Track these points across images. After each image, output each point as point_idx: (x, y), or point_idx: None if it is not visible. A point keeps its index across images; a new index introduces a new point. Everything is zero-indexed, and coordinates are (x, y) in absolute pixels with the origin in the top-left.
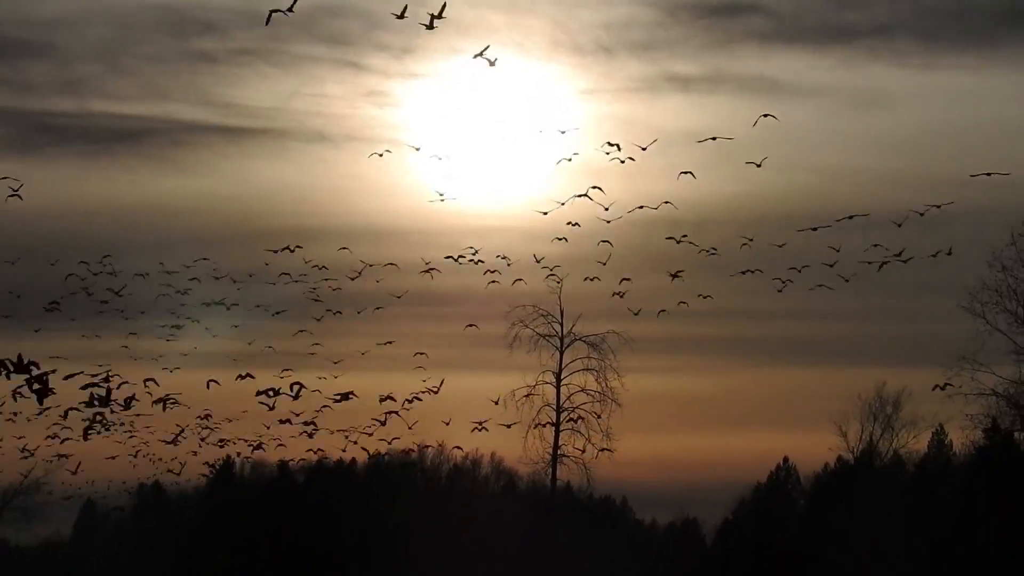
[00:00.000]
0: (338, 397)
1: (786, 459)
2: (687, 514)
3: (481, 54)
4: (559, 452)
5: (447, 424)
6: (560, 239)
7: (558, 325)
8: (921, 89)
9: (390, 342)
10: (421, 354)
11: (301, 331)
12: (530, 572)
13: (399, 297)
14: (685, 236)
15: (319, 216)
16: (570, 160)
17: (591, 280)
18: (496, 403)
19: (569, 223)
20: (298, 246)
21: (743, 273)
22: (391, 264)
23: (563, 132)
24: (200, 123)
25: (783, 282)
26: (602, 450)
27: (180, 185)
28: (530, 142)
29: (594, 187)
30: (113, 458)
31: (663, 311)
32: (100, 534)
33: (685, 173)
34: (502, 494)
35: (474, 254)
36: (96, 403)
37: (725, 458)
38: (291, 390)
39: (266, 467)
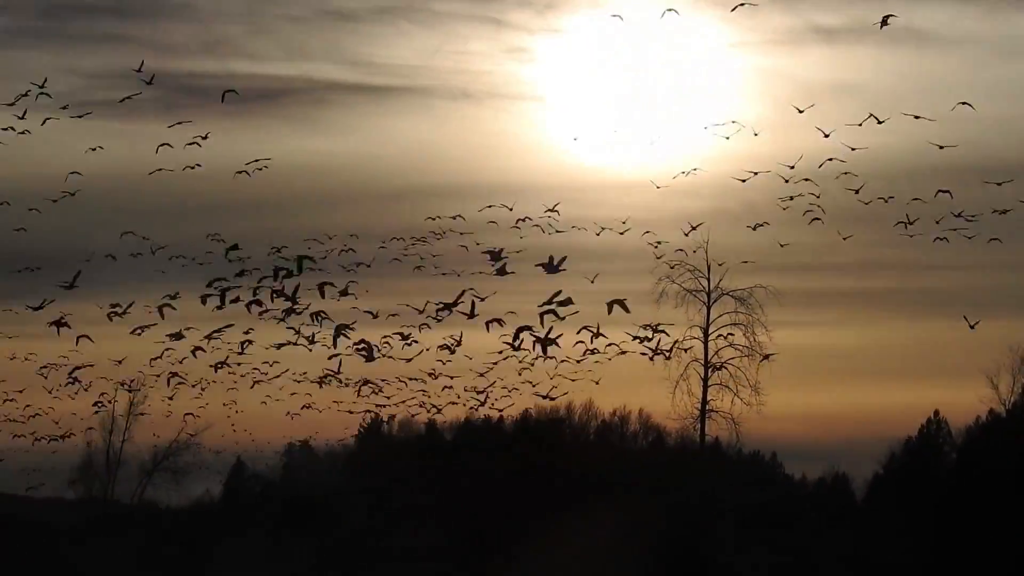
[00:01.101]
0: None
1: (937, 412)
2: (837, 469)
3: None
4: (707, 407)
5: (596, 383)
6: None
7: (705, 280)
8: None
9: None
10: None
11: (468, 290)
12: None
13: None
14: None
15: (463, 173)
16: (722, 126)
17: (750, 228)
18: (654, 355)
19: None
20: (459, 215)
21: (905, 225)
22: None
23: (727, 127)
24: (342, 82)
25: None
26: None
27: (322, 145)
28: (673, 97)
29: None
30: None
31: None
32: (250, 494)
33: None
34: (650, 450)
35: (624, 223)
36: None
37: (875, 412)
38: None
39: (414, 425)
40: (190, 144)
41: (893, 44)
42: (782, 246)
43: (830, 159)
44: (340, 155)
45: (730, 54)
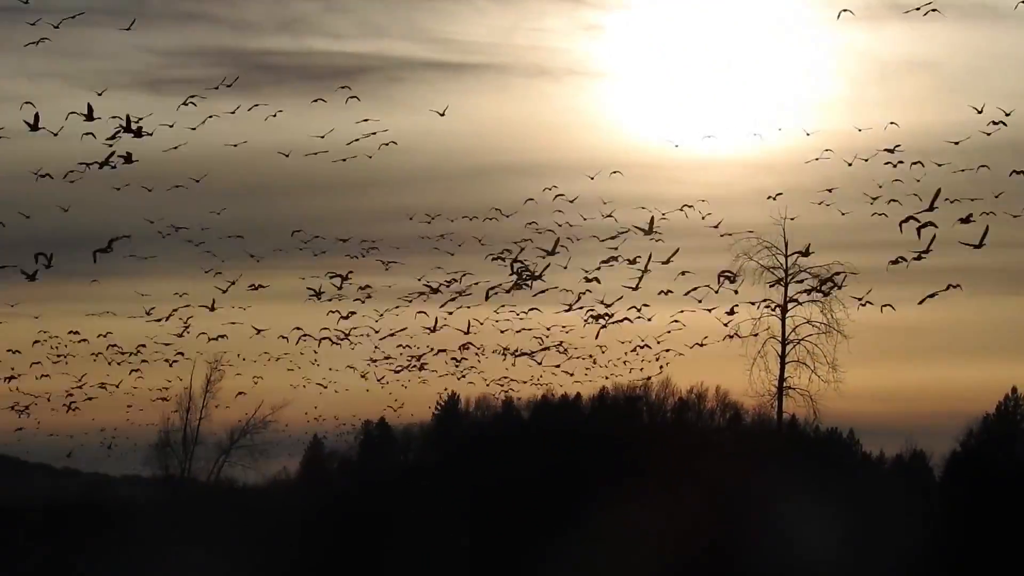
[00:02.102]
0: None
1: (1015, 389)
2: (914, 446)
3: None
4: (784, 385)
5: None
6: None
7: (782, 257)
8: None
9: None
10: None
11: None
12: (756, 506)
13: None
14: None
15: (540, 151)
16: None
17: (823, 204)
18: (732, 336)
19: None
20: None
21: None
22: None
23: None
24: (418, 59)
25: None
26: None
27: (397, 122)
28: (749, 74)
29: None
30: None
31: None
32: (327, 472)
33: None
34: (727, 428)
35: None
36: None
37: (953, 388)
38: None
39: (491, 403)
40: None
41: (969, 20)
42: (843, 214)
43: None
44: (415, 133)
45: (804, 30)
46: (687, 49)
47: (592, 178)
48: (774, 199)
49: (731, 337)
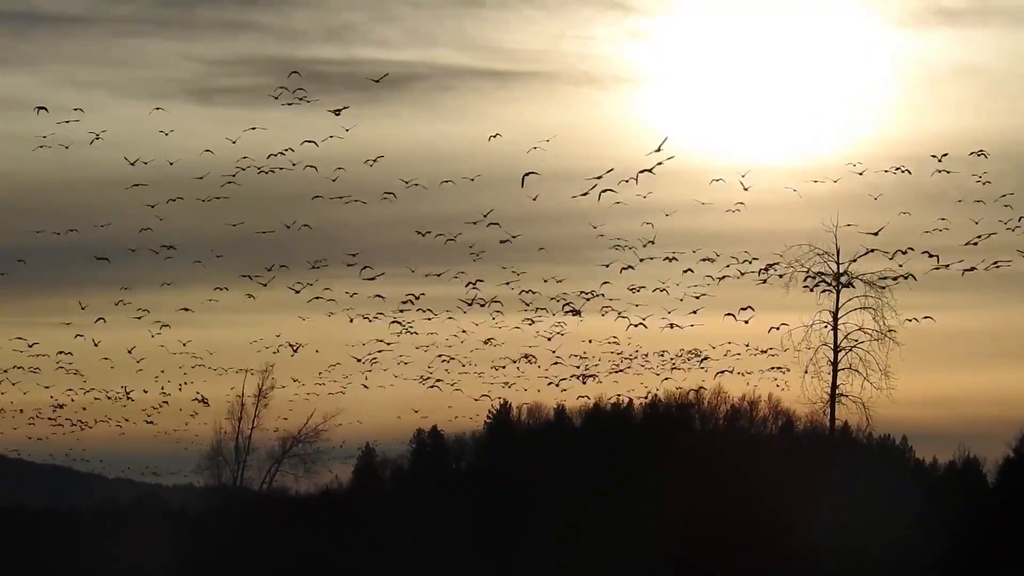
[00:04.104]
0: None
1: None
2: (968, 452)
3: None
4: (837, 392)
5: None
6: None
7: (834, 264)
8: None
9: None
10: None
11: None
12: (809, 512)
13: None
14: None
15: (590, 158)
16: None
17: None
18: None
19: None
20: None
21: None
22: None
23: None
24: (466, 68)
25: None
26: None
27: (446, 130)
28: (796, 80)
29: None
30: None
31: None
32: (379, 481)
33: None
34: (780, 435)
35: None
36: None
37: (1005, 394)
38: None
39: (543, 411)
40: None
41: (1016, 25)
42: (901, 214)
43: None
44: (464, 140)
45: (851, 36)
46: (733, 55)
47: (630, 180)
48: (818, 182)
49: (776, 368)
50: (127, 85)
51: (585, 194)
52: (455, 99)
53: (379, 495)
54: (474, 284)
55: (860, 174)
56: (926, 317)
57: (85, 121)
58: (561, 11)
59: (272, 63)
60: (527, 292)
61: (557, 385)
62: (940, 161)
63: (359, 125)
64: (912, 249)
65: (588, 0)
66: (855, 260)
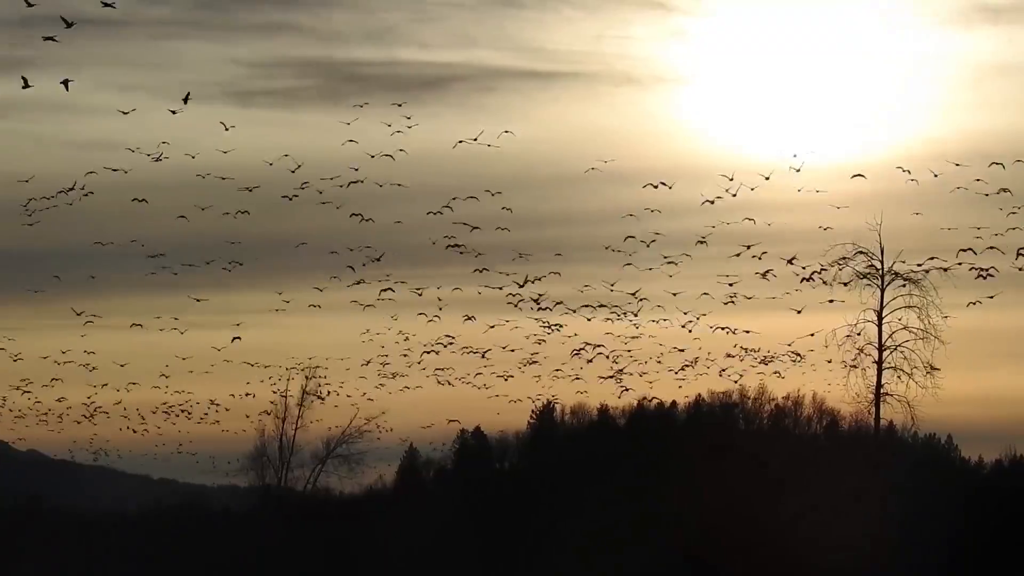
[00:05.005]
0: None
1: None
2: (1014, 451)
3: None
4: (882, 391)
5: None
6: (858, 175)
7: (878, 262)
8: None
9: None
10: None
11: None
12: (854, 511)
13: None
14: None
15: (631, 158)
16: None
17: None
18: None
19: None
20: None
21: None
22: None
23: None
24: (506, 69)
25: None
26: (926, 388)
27: (488, 130)
28: (839, 78)
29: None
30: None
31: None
32: (423, 481)
33: None
34: (824, 434)
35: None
36: None
37: None
38: None
39: (586, 412)
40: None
41: None
42: (948, 230)
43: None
44: (504, 141)
45: (893, 35)
46: (774, 54)
47: (670, 187)
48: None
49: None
50: (167, 88)
51: (711, 202)
52: (495, 100)
53: (422, 495)
54: (522, 284)
55: (906, 171)
56: (972, 303)
57: (128, 124)
58: (601, 11)
59: (312, 65)
60: (581, 290)
61: (615, 378)
62: (995, 167)
63: (396, 128)
64: (969, 250)
65: (628, 0)
66: (903, 260)
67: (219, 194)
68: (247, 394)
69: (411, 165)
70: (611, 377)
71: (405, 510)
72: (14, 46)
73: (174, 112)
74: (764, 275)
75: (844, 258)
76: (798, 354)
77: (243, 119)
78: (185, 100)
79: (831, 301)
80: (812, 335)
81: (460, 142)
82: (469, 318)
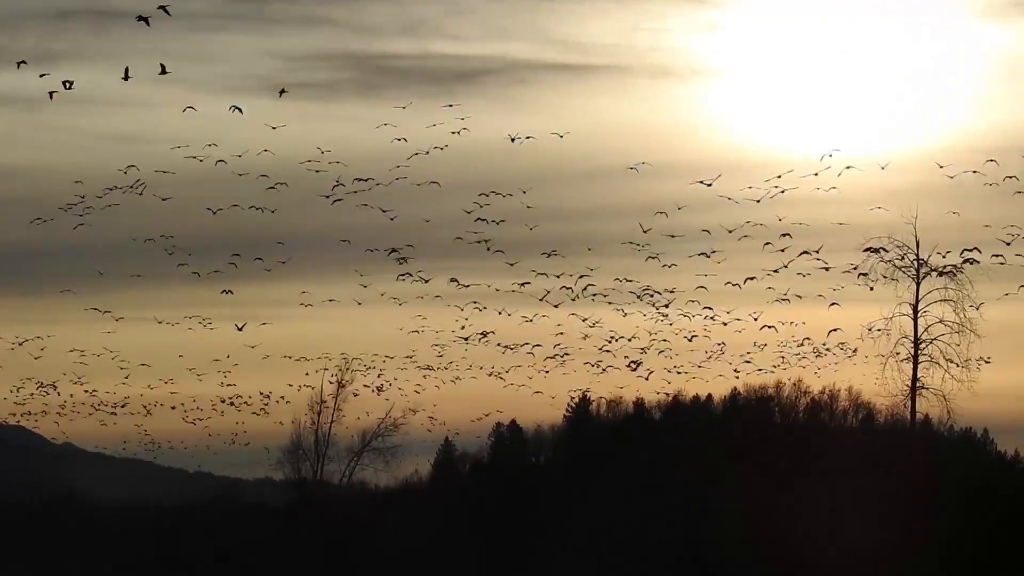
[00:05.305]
0: None
1: None
2: None
3: None
4: (917, 384)
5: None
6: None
7: (913, 256)
8: None
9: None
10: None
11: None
12: (892, 504)
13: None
14: None
15: (666, 151)
16: None
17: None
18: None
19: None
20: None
21: None
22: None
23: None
24: (540, 61)
25: None
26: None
27: (521, 124)
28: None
29: None
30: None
31: None
32: (458, 474)
33: None
34: (860, 428)
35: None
36: None
37: None
38: None
39: (622, 405)
40: None
41: None
42: (986, 227)
43: None
44: (539, 134)
45: (930, 28)
46: (810, 47)
47: (710, 184)
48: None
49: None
50: (205, 81)
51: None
52: (529, 93)
53: (458, 488)
54: (557, 276)
55: (943, 167)
56: (1006, 294)
57: (165, 116)
58: (635, 3)
59: (348, 58)
60: (614, 285)
61: (644, 372)
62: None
63: (433, 119)
64: (1007, 242)
65: None
66: (940, 253)
67: (254, 188)
68: (295, 385)
69: (443, 158)
70: (631, 366)
71: (439, 503)
72: (50, 39)
73: (240, 111)
74: (797, 270)
75: (879, 250)
76: (852, 348)
77: (279, 112)
78: (280, 93)
79: (871, 289)
80: (837, 329)
81: (513, 139)
82: (505, 313)
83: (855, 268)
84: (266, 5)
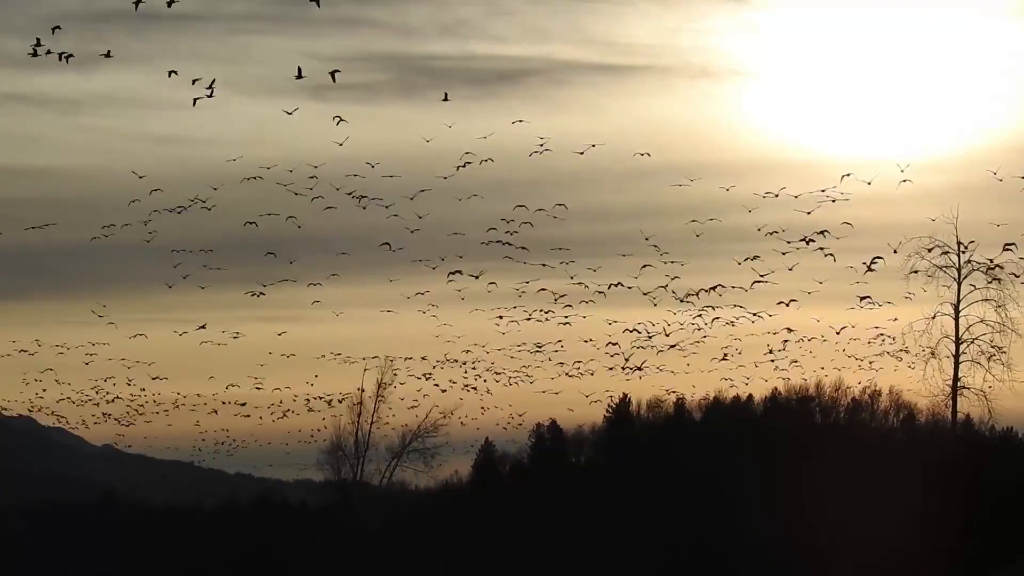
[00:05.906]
0: None
1: None
2: None
3: None
4: (959, 384)
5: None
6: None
7: (955, 256)
8: None
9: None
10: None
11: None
12: (932, 504)
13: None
14: None
15: (706, 151)
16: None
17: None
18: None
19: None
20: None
21: None
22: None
23: None
24: (581, 62)
25: None
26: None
27: (562, 124)
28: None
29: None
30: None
31: None
32: (499, 475)
33: None
34: (901, 428)
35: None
36: None
37: None
38: None
39: (663, 405)
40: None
41: None
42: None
43: None
44: (581, 135)
45: (963, 29)
46: (850, 48)
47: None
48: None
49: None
50: (243, 82)
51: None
52: (570, 93)
53: (499, 489)
54: (595, 270)
55: (995, 172)
56: None
57: (201, 118)
58: (676, 4)
59: (388, 59)
60: (654, 284)
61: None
62: None
63: (474, 120)
64: None
65: None
66: (977, 253)
67: (294, 188)
68: (334, 387)
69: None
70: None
71: (480, 504)
72: (89, 40)
73: (289, 113)
74: (836, 270)
75: (922, 249)
76: (897, 348)
77: (318, 113)
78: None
79: (920, 291)
80: (876, 327)
81: (543, 148)
82: (545, 312)
83: (897, 268)
84: (305, 6)
